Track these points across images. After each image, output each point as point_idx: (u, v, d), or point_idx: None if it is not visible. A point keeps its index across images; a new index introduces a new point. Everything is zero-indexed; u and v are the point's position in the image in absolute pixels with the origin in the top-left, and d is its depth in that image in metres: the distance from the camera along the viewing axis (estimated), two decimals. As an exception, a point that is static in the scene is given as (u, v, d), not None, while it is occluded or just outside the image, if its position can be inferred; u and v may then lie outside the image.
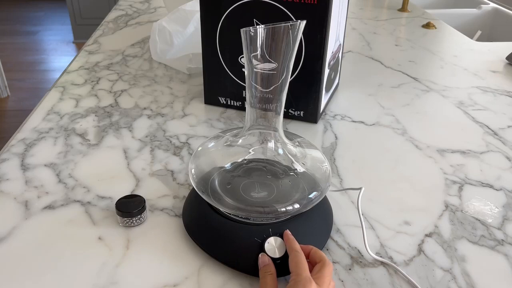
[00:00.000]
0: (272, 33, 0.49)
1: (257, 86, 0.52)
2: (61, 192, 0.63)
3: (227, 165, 0.57)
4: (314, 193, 0.53)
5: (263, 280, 0.46)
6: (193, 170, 0.55)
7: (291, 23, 0.49)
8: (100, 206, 0.60)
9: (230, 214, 0.53)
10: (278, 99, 0.53)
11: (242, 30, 0.49)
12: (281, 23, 0.48)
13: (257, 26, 0.48)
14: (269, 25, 0.48)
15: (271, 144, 0.56)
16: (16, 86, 2.73)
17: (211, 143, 0.60)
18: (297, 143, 0.60)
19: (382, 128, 0.80)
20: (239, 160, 0.57)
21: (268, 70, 0.51)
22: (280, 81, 0.52)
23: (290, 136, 0.62)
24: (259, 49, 0.49)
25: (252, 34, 0.49)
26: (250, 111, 0.55)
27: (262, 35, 0.49)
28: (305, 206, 0.52)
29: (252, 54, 0.50)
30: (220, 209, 0.53)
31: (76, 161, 0.69)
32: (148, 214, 0.59)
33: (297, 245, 0.48)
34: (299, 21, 0.49)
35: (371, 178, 0.67)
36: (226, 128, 0.79)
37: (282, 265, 0.49)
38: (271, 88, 0.53)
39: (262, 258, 0.49)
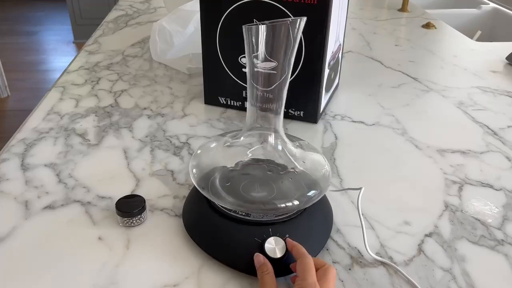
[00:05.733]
0: (274, 31, 0.49)
1: (258, 86, 0.52)
2: (61, 192, 0.63)
3: (228, 165, 0.57)
4: (314, 191, 0.53)
5: (262, 281, 0.46)
6: (194, 169, 0.55)
7: (291, 20, 0.49)
8: (100, 206, 0.60)
9: (230, 211, 0.52)
10: (279, 99, 0.53)
11: (244, 27, 0.49)
12: (281, 20, 0.48)
13: (259, 24, 0.48)
14: (271, 22, 0.48)
15: (271, 144, 0.56)
16: (16, 86, 2.73)
17: (212, 143, 0.60)
18: (298, 145, 0.60)
19: (382, 128, 0.80)
20: (240, 159, 0.57)
21: (269, 69, 0.51)
22: (281, 80, 0.52)
23: (291, 138, 0.62)
24: (261, 48, 0.49)
25: (254, 31, 0.49)
26: (250, 111, 0.55)
27: (265, 32, 0.49)
28: (305, 203, 0.52)
29: (254, 54, 0.50)
30: (220, 205, 0.52)
31: (76, 161, 0.69)
32: (148, 214, 0.59)
33: (303, 250, 0.48)
34: (299, 18, 0.49)
35: (371, 178, 0.67)
36: (226, 128, 0.79)
37: (282, 265, 0.49)
38: (272, 88, 0.53)
39: (257, 258, 0.49)
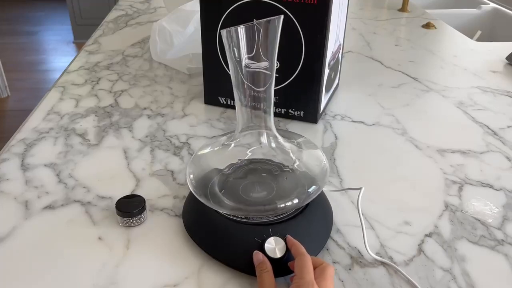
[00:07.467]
0: (251, 32, 0.49)
1: (246, 85, 0.53)
2: (61, 192, 0.63)
3: (225, 168, 0.57)
4: (313, 187, 0.53)
5: (260, 279, 0.46)
6: (191, 176, 0.55)
7: (268, 19, 0.49)
8: (100, 206, 0.60)
9: (230, 215, 0.53)
10: (269, 97, 0.54)
11: (223, 31, 0.49)
12: (260, 21, 0.49)
13: (237, 26, 0.49)
14: (248, 24, 0.49)
15: (266, 143, 0.56)
16: (16, 86, 2.73)
17: (207, 147, 0.60)
18: (296, 142, 0.60)
19: (382, 128, 0.80)
20: (237, 161, 0.57)
21: (262, 69, 0.52)
22: (271, 79, 0.53)
23: (290, 135, 0.62)
24: (242, 48, 0.50)
25: (234, 34, 0.49)
26: (241, 112, 0.55)
27: (243, 34, 0.49)
28: (303, 200, 0.52)
29: (247, 55, 0.50)
30: (220, 211, 0.53)
31: (76, 161, 0.69)
32: (148, 214, 0.59)
33: (302, 249, 0.48)
34: (276, 17, 0.50)
35: (371, 178, 0.67)
36: (226, 128, 0.79)
37: (282, 265, 0.49)
38: (261, 87, 0.53)
39: (256, 256, 0.49)
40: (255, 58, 0.51)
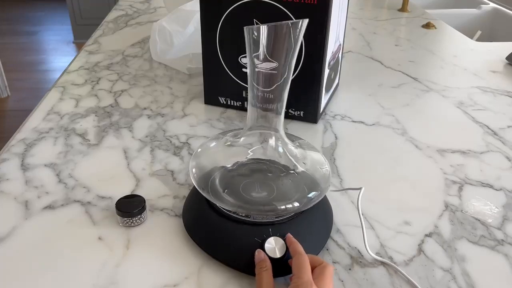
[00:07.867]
0: (275, 32, 0.49)
1: (259, 86, 0.52)
2: (61, 192, 0.63)
3: (228, 165, 0.57)
4: (314, 192, 0.53)
5: (259, 276, 0.46)
6: (194, 169, 0.55)
7: (292, 21, 0.49)
8: (100, 206, 0.60)
9: (230, 212, 0.53)
10: (279, 99, 0.53)
11: (246, 29, 0.49)
12: (283, 22, 0.48)
13: (260, 25, 0.48)
14: (272, 24, 0.48)
15: (271, 144, 0.56)
16: (16, 86, 2.73)
17: (212, 142, 0.60)
18: (298, 144, 0.60)
19: (382, 128, 0.80)
20: (240, 159, 0.57)
21: (270, 70, 0.51)
22: (282, 81, 0.52)
23: (291, 137, 0.62)
24: (261, 48, 0.49)
25: (256, 32, 0.49)
26: (251, 111, 0.55)
27: (265, 33, 0.49)
28: (305, 205, 0.52)
29: (254, 54, 0.50)
30: (220, 206, 0.53)
31: (76, 161, 0.69)
32: (148, 214, 0.59)
33: (300, 248, 0.48)
34: (301, 20, 0.49)
35: (371, 178, 0.67)
36: (226, 128, 0.79)
37: (282, 265, 0.49)
38: (273, 88, 0.53)
39: (258, 255, 0.49)
40: (268, 58, 0.50)
